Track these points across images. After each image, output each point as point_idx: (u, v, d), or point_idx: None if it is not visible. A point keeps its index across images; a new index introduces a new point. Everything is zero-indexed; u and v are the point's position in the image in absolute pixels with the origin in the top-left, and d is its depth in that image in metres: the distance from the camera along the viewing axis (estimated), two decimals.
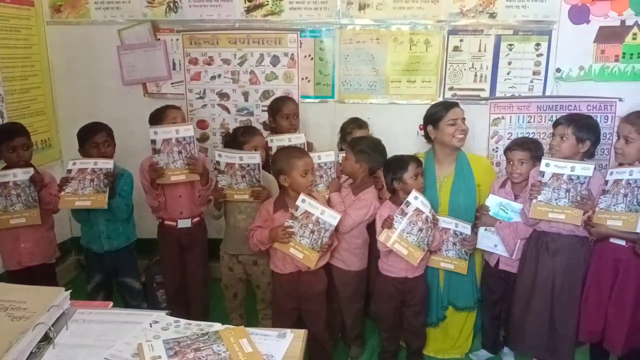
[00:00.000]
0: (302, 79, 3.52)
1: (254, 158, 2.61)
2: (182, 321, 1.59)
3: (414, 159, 2.55)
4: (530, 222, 2.48)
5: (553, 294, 2.45)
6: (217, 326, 1.58)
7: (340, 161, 2.76)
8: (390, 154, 2.69)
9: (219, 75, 3.57)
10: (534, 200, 2.38)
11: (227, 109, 3.62)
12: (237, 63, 3.54)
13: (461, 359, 2.89)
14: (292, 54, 3.48)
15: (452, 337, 2.87)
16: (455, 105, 2.72)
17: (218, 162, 2.64)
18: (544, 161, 2.38)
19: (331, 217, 2.34)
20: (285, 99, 3.21)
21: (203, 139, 3.65)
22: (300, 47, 3.47)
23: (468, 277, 2.74)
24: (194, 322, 1.59)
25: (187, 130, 2.67)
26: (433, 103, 2.95)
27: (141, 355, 1.36)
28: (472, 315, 2.85)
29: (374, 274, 2.75)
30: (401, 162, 2.54)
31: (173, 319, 1.59)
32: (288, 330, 1.59)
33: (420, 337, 2.77)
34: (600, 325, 2.34)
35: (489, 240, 2.63)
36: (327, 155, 2.73)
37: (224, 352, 1.43)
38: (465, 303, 2.79)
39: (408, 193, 2.46)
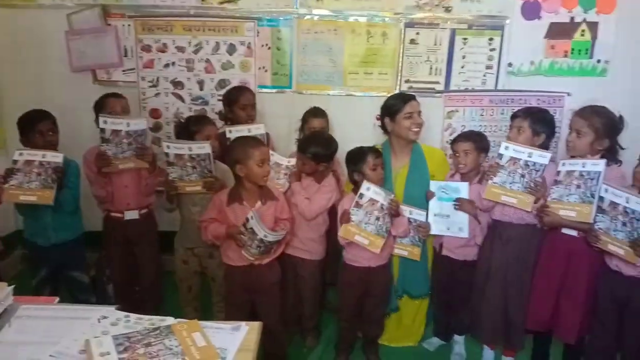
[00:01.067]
0: (259, 68, 3.47)
1: (204, 148, 2.56)
2: (133, 316, 1.55)
3: (373, 150, 2.58)
4: (484, 205, 2.53)
5: (506, 282, 2.52)
6: (169, 320, 1.55)
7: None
8: (347, 145, 2.70)
9: (173, 63, 3.48)
10: (490, 181, 2.43)
11: (181, 98, 3.54)
12: (192, 51, 3.46)
13: (414, 346, 2.95)
14: (249, 43, 3.43)
15: (405, 325, 2.92)
16: (412, 98, 2.75)
17: (167, 154, 2.58)
18: (503, 144, 2.43)
19: (274, 239, 2.33)
20: (242, 89, 3.17)
21: (156, 128, 3.56)
22: (258, 36, 3.42)
23: (421, 265, 2.79)
24: (145, 317, 1.56)
25: (139, 124, 2.61)
26: (390, 95, 2.98)
27: (89, 352, 1.31)
28: (425, 304, 2.90)
29: (331, 263, 2.78)
30: (360, 154, 2.56)
31: (123, 313, 1.56)
32: (242, 323, 1.57)
33: (379, 327, 2.81)
34: (548, 314, 2.42)
35: (441, 225, 2.67)
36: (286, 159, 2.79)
37: (176, 346, 1.41)
38: (420, 291, 2.84)
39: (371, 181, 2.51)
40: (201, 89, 3.52)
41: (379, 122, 2.87)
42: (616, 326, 2.23)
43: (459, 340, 2.90)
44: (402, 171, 2.78)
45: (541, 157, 2.34)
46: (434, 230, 2.67)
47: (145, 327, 1.49)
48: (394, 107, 2.71)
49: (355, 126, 3.38)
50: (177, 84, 3.51)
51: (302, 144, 2.68)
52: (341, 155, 2.75)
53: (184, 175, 2.59)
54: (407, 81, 3.43)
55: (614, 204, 2.10)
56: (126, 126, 2.57)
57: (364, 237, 2.47)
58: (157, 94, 3.53)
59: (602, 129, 2.26)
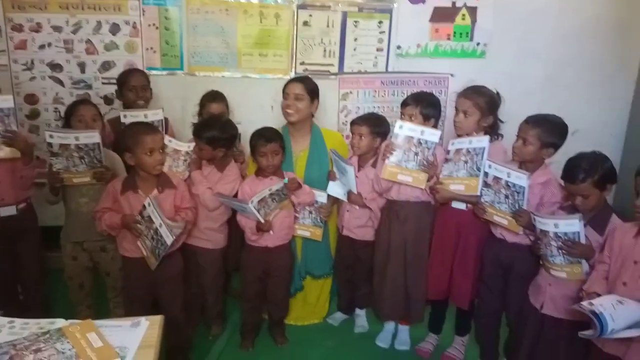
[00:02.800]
0: (147, 49, 3.30)
1: (93, 137, 2.39)
2: (18, 321, 1.44)
3: (264, 136, 2.54)
4: (382, 187, 2.62)
5: (406, 259, 2.63)
6: (59, 322, 1.46)
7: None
8: (247, 128, 2.68)
9: (49, 44, 3.21)
10: (386, 161, 2.52)
11: (60, 82, 3.27)
12: (70, 31, 3.21)
13: (319, 323, 3.02)
14: (135, 23, 3.24)
15: (310, 304, 2.99)
16: (293, 80, 2.78)
17: (50, 144, 2.37)
18: (398, 123, 2.51)
19: (166, 236, 2.18)
20: (132, 71, 3.02)
21: (33, 115, 3.27)
22: (143, 15, 3.24)
23: (323, 245, 2.86)
24: (31, 321, 1.45)
25: (5, 102, 2.36)
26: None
27: None
28: (328, 282, 2.99)
29: (236, 249, 2.75)
30: (251, 140, 2.56)
31: (6, 319, 1.44)
32: (142, 318, 1.51)
33: (283, 307, 2.83)
34: (445, 284, 2.58)
35: (338, 188, 2.74)
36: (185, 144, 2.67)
37: (69, 349, 1.33)
38: (322, 271, 2.92)
39: (263, 167, 2.53)
40: (83, 72, 3.28)
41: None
42: (501, 289, 2.44)
43: (360, 313, 3.03)
44: (303, 154, 2.80)
45: (432, 135, 2.46)
46: (329, 191, 2.74)
47: (32, 332, 1.38)
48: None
49: (253, 108, 3.34)
50: (55, 66, 3.24)
51: (197, 129, 2.58)
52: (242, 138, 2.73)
53: (70, 166, 2.41)
54: (302, 63, 3.44)
55: (497, 179, 2.26)
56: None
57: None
58: (32, 78, 3.24)
59: (486, 107, 2.42)
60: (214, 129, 2.54)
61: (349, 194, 2.69)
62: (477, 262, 2.49)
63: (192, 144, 2.63)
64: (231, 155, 2.67)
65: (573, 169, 2.04)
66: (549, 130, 2.23)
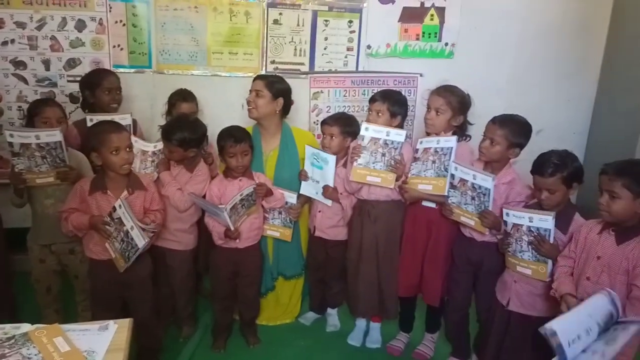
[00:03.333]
0: (114, 46, 3.24)
1: (54, 136, 2.34)
2: None
3: (233, 136, 2.51)
4: (352, 188, 2.65)
5: (378, 258, 2.66)
6: (25, 327, 1.43)
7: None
8: (216, 127, 2.64)
9: (12, 41, 3.11)
10: (355, 163, 2.54)
11: (24, 80, 3.18)
12: (34, 27, 3.12)
13: (291, 323, 3.03)
14: (101, 19, 3.18)
15: (282, 304, 2.99)
16: (257, 76, 2.79)
17: (11, 144, 2.31)
18: (363, 125, 2.53)
19: (138, 238, 2.13)
20: (105, 72, 2.95)
21: None
22: (110, 11, 3.18)
23: (294, 246, 2.87)
24: None
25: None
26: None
27: None
28: (300, 282, 3.00)
29: (207, 250, 2.73)
30: (219, 139, 2.53)
31: None
32: (111, 322, 1.49)
33: (254, 307, 2.83)
34: (416, 280, 2.61)
35: (311, 189, 2.75)
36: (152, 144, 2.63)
37: (35, 355, 1.30)
38: (294, 271, 2.93)
39: (232, 168, 2.51)
40: (47, 69, 3.19)
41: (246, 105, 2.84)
42: (470, 286, 2.49)
43: (332, 312, 3.05)
44: (273, 154, 2.79)
45: (398, 135, 2.48)
46: (302, 191, 2.74)
47: None
48: None
49: (223, 107, 3.32)
50: (18, 63, 3.15)
51: (166, 131, 2.52)
52: (211, 137, 2.70)
53: (32, 166, 2.35)
54: (272, 62, 3.43)
55: (463, 181, 2.30)
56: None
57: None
58: None
59: (458, 106, 2.45)
60: (185, 129, 2.50)
61: (325, 188, 2.68)
62: (448, 259, 2.53)
63: (159, 144, 2.59)
64: (200, 155, 2.64)
65: (544, 163, 2.09)
66: (515, 130, 2.28)
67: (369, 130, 2.51)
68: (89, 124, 2.60)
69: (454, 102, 2.45)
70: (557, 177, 2.06)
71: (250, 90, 2.73)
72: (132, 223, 2.12)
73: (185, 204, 2.52)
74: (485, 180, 2.20)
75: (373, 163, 2.52)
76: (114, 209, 2.15)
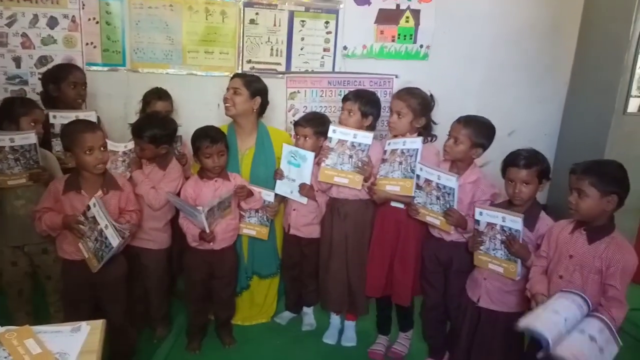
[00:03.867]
0: (87, 44, 3.20)
1: (29, 138, 2.31)
2: None
3: (209, 136, 2.50)
4: (322, 186, 2.67)
5: (347, 254, 2.68)
6: None
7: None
8: (192, 126, 2.63)
9: None
10: (322, 164, 2.56)
11: None
12: (4, 24, 3.08)
13: (267, 322, 3.03)
14: (74, 16, 3.14)
15: (257, 304, 2.99)
16: (235, 75, 2.82)
17: None
18: (331, 128, 2.56)
19: (112, 237, 2.12)
20: (69, 66, 2.90)
21: None
22: (83, 9, 3.14)
23: (270, 245, 2.88)
24: None
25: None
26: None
27: None
28: (275, 281, 3.00)
29: (177, 252, 2.72)
30: (193, 139, 2.52)
31: None
32: (83, 323, 1.48)
33: (230, 308, 2.82)
34: (383, 280, 2.63)
35: (286, 187, 2.75)
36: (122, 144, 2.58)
37: (5, 357, 1.28)
38: (269, 271, 2.93)
39: (209, 169, 2.50)
40: (18, 67, 3.15)
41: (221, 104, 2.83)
42: (442, 284, 2.52)
43: (308, 311, 3.06)
44: (249, 153, 2.80)
45: (365, 137, 2.51)
46: (277, 190, 2.75)
47: None
48: None
49: (198, 106, 3.31)
50: None
51: (137, 129, 2.50)
52: (186, 136, 2.69)
53: (4, 169, 2.31)
54: (248, 61, 3.43)
55: (428, 181, 2.33)
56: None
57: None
58: None
59: (418, 108, 2.49)
60: (155, 126, 2.49)
61: (302, 186, 2.69)
62: (417, 259, 2.56)
63: (129, 144, 2.56)
64: (172, 152, 2.63)
65: (517, 156, 2.16)
66: (478, 130, 2.33)
67: (336, 133, 2.53)
68: (52, 120, 2.56)
69: (414, 105, 2.48)
70: (533, 169, 2.11)
71: (228, 88, 2.73)
72: (106, 222, 2.10)
73: (159, 202, 2.50)
74: (449, 180, 2.25)
75: (340, 164, 2.54)
76: (88, 207, 2.13)
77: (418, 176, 2.36)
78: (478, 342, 2.31)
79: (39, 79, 3.09)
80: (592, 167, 1.89)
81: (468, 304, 2.34)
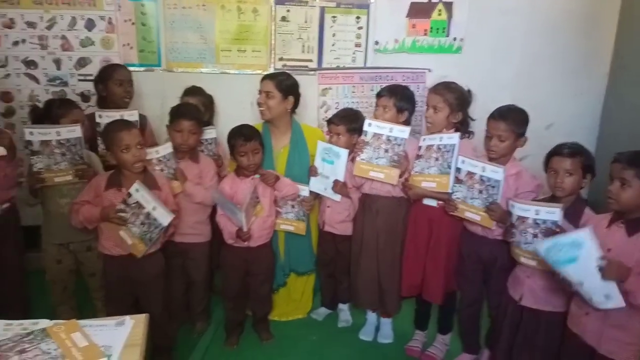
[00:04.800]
0: (124, 45, 3.27)
1: (74, 131, 2.36)
2: (1, 322, 1.42)
3: (244, 134, 2.53)
4: (356, 182, 2.65)
5: (378, 252, 2.66)
6: (43, 323, 1.45)
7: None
8: (226, 124, 2.68)
9: (24, 41, 3.15)
10: (358, 158, 2.54)
11: (35, 79, 3.22)
12: (45, 27, 3.15)
13: (304, 318, 3.04)
14: (110, 18, 3.21)
15: (294, 300, 3.01)
16: (265, 77, 2.79)
17: (30, 142, 2.31)
18: (366, 121, 2.53)
19: (162, 216, 2.20)
20: (115, 65, 3.00)
21: (8, 113, 3.21)
22: (119, 10, 3.21)
23: (306, 242, 2.89)
24: (15, 322, 1.43)
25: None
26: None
27: None
28: (312, 277, 3.01)
29: (215, 248, 2.76)
30: (229, 138, 2.57)
31: None
32: (127, 317, 1.51)
33: (267, 304, 2.84)
34: (419, 279, 2.59)
35: (320, 184, 2.75)
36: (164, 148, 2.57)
37: (54, 349, 1.32)
38: (305, 268, 2.95)
39: (244, 167, 2.53)
40: (58, 69, 3.23)
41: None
42: (481, 280, 2.48)
43: (343, 308, 3.06)
44: (283, 151, 2.81)
45: (401, 131, 2.48)
46: (311, 188, 2.75)
47: (16, 333, 1.37)
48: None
49: (232, 105, 3.33)
50: (29, 63, 3.19)
51: (174, 113, 2.58)
52: (221, 137, 2.74)
53: (51, 165, 2.36)
54: (280, 59, 3.44)
55: (470, 174, 2.29)
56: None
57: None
58: (7, 75, 3.18)
59: (456, 103, 2.44)
60: (190, 105, 2.66)
61: (335, 182, 2.68)
62: (449, 257, 2.52)
63: (161, 149, 2.51)
64: (201, 146, 2.70)
65: (562, 145, 2.11)
66: (517, 120, 2.28)
67: (371, 126, 2.51)
68: (98, 119, 2.63)
69: (451, 99, 2.44)
70: (577, 159, 2.06)
71: (260, 92, 2.74)
72: (153, 204, 2.17)
73: (209, 198, 2.58)
74: (496, 172, 2.20)
75: (376, 159, 2.52)
76: (129, 194, 2.18)
77: (459, 170, 2.32)
78: (520, 341, 2.25)
79: (79, 80, 3.18)
80: (638, 157, 1.83)
81: (509, 302, 2.28)
